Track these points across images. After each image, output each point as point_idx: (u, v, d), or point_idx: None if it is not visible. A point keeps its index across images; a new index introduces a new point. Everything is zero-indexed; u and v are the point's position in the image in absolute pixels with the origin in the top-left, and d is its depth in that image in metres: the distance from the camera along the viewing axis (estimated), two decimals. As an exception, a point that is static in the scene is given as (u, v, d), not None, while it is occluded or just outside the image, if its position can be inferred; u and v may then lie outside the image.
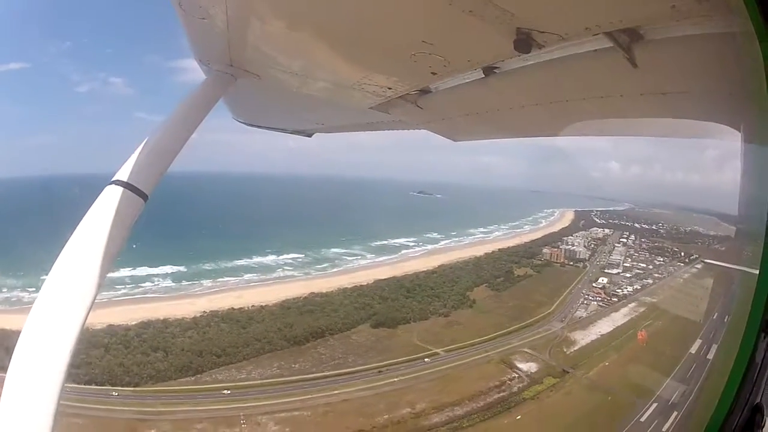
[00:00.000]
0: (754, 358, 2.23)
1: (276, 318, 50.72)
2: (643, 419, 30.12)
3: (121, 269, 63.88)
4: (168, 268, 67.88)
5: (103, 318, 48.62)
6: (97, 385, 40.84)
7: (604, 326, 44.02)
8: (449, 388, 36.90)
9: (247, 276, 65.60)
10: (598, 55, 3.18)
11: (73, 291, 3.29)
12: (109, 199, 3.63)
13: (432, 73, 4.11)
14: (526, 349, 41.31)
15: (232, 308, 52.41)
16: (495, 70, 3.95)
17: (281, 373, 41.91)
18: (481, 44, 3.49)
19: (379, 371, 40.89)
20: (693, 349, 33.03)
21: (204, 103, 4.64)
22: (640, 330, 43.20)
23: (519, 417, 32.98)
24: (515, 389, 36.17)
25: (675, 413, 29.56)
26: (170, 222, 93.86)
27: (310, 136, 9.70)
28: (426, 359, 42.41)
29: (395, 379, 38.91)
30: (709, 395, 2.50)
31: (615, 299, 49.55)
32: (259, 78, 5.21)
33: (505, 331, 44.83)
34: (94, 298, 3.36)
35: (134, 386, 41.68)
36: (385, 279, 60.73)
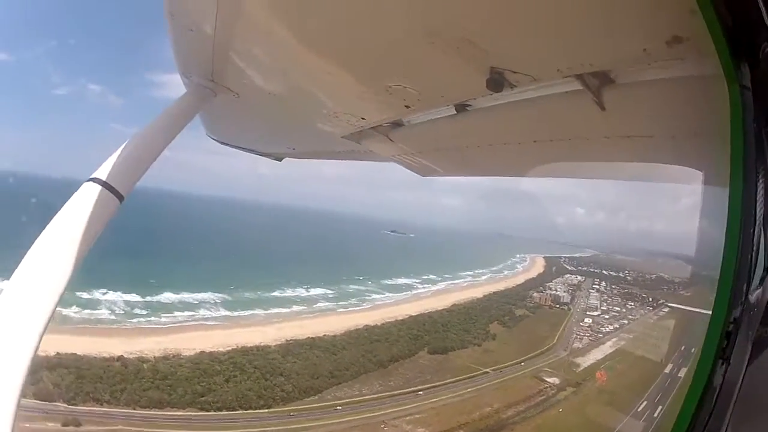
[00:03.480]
0: (712, 382, 2.49)
1: (354, 345, 65.67)
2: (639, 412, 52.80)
3: (165, 292, 76.50)
4: (210, 296, 78.84)
5: (183, 343, 59.66)
6: (229, 410, 50.57)
7: (598, 354, 67.07)
8: (508, 394, 58.21)
9: (295, 308, 79.86)
10: (567, 97, 3.65)
11: (41, 282, 3.70)
12: (87, 195, 4.19)
13: (405, 106, 4.71)
14: (546, 369, 63.99)
15: (310, 337, 65.59)
16: (467, 108, 4.60)
17: (385, 389, 58.29)
18: (454, 80, 4.05)
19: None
20: (661, 378, 48.33)
21: (182, 115, 5.40)
22: (599, 371, 63.03)
23: (561, 410, 55.79)
24: (551, 393, 58.80)
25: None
26: (175, 245, 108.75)
27: (280, 160, 10.81)
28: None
29: (470, 389, 58.98)
30: (667, 424, 2.81)
31: (600, 335, 72.06)
32: (238, 96, 5.88)
33: (527, 356, 67.03)
34: (63, 292, 3.80)
35: (267, 408, 51.85)
36: (415, 315, 78.09)
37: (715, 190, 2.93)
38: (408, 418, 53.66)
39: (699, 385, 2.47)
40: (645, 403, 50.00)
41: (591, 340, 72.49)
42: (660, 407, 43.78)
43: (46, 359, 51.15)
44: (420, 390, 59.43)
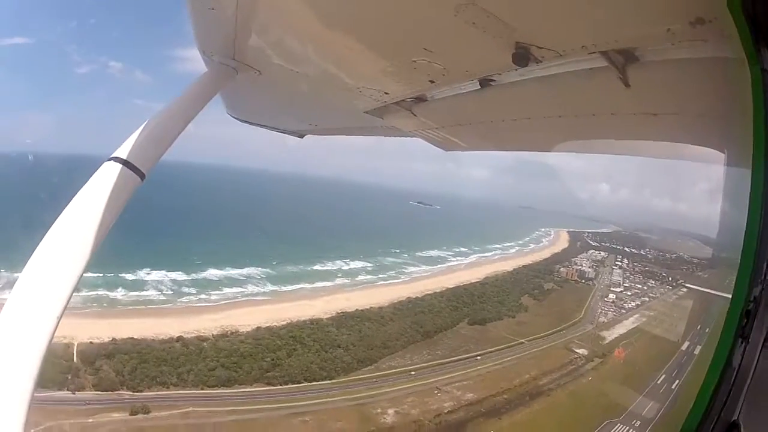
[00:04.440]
0: (731, 362, 2.57)
1: (400, 317, 72.61)
2: (659, 383, 58.18)
3: (210, 269, 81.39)
4: (254, 271, 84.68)
5: (237, 319, 64.96)
6: (294, 383, 55.47)
7: (621, 329, 75.04)
8: (543, 363, 66.52)
9: (338, 281, 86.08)
10: (592, 73, 3.73)
11: (62, 262, 3.73)
12: (107, 174, 4.25)
13: (430, 80, 4.82)
14: (575, 341, 72.38)
15: (358, 309, 72.80)
16: (491, 83, 4.65)
17: (432, 357, 65.02)
18: (480, 55, 4.11)
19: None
20: (679, 354, 55.27)
21: (204, 94, 5.48)
22: (617, 349, 69.05)
23: (590, 378, 64.50)
24: (581, 363, 67.12)
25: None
26: (210, 221, 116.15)
27: (302, 137, 11.07)
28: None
29: (508, 358, 67.10)
30: (685, 399, 2.87)
31: (623, 311, 79.93)
32: (260, 74, 5.99)
33: (557, 329, 75.28)
34: (84, 270, 3.82)
35: (330, 380, 57.11)
36: (452, 287, 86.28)
37: (738, 171, 3.11)
38: (457, 384, 61.58)
39: (718, 364, 2.61)
40: (664, 376, 57.28)
41: (615, 315, 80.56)
42: (677, 381, 47.97)
43: (101, 346, 54.30)
44: (477, 356, 67.90)
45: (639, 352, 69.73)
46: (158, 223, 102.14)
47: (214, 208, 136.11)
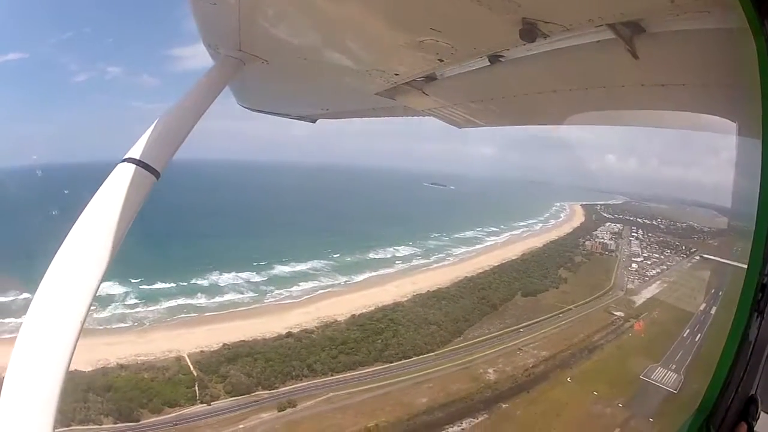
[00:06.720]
0: (747, 337, 2.79)
1: (467, 294, 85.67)
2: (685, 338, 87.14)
3: (277, 266, 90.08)
4: (319, 263, 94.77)
5: (328, 310, 74.92)
6: (407, 358, 65.14)
7: (647, 293, 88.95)
8: (589, 325, 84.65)
9: (397, 266, 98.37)
10: (600, 46, 4.02)
11: (83, 263, 4.00)
12: (122, 175, 4.57)
13: (439, 59, 5.16)
14: (612, 305, 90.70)
15: (429, 290, 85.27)
16: (500, 59, 4.99)
17: (503, 327, 78.18)
18: (487, 32, 4.40)
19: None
20: (698, 314, 70.32)
21: (213, 87, 5.84)
22: (637, 321, 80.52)
23: (630, 334, 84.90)
24: (619, 323, 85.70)
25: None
26: (248, 219, 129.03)
27: (314, 121, 12.09)
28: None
29: (563, 322, 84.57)
30: (702, 373, 3.13)
31: (647, 278, 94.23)
32: (268, 63, 6.43)
33: (594, 296, 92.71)
34: (105, 271, 4.10)
35: (434, 352, 67.31)
36: (497, 265, 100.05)
37: (749, 141, 3.27)
38: (532, 345, 79.21)
39: (735, 338, 2.82)
40: (688, 330, 76.71)
41: (640, 282, 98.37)
42: (699, 334, 68.48)
43: (216, 353, 59.78)
44: (531, 324, 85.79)
45: (666, 312, 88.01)
46: (202, 225, 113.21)
47: (242, 205, 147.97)
